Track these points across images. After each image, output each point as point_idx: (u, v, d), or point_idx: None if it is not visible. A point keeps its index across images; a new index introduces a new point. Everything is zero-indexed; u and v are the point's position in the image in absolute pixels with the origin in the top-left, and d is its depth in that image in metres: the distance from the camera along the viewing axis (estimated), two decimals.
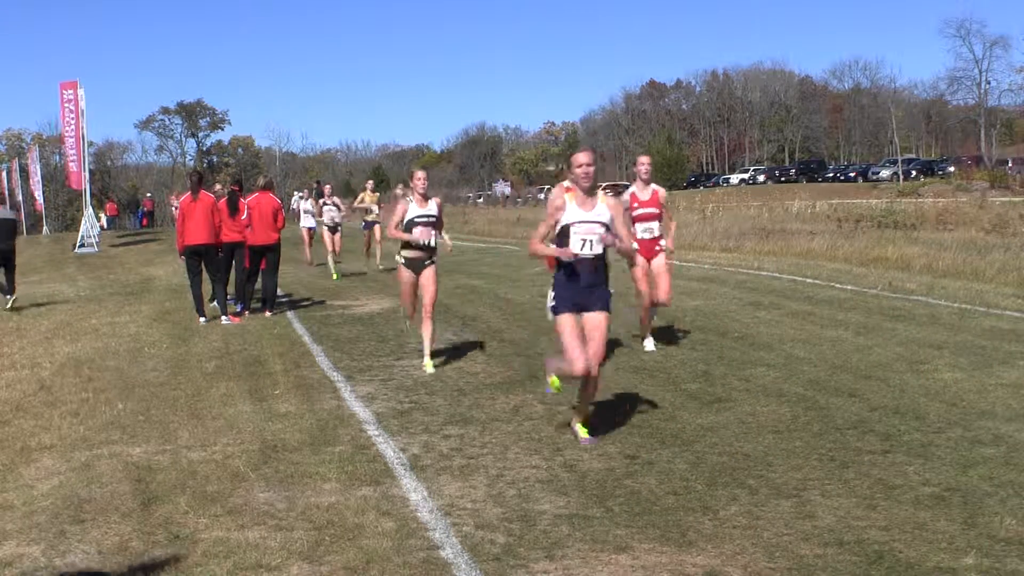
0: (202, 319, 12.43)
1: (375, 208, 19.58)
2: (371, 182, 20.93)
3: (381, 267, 18.95)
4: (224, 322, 12.27)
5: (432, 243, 8.70)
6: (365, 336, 10.92)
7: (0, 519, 5.21)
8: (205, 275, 12.80)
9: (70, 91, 30.05)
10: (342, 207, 19.96)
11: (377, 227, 19.55)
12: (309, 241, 21.55)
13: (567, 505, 5.07)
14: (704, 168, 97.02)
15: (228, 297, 13.32)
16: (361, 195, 19.95)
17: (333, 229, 19.07)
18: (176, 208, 15.74)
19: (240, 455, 6.21)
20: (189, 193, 12.58)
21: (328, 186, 21.23)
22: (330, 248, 18.79)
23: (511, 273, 16.87)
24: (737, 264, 16.66)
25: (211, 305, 12.91)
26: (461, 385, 8.11)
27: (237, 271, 13.31)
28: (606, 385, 7.21)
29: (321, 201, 19.88)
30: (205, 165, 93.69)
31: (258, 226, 12.89)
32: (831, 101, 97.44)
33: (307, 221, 21.68)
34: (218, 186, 16.35)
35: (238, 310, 13.13)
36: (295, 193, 58.14)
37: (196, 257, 12.54)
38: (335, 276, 17.99)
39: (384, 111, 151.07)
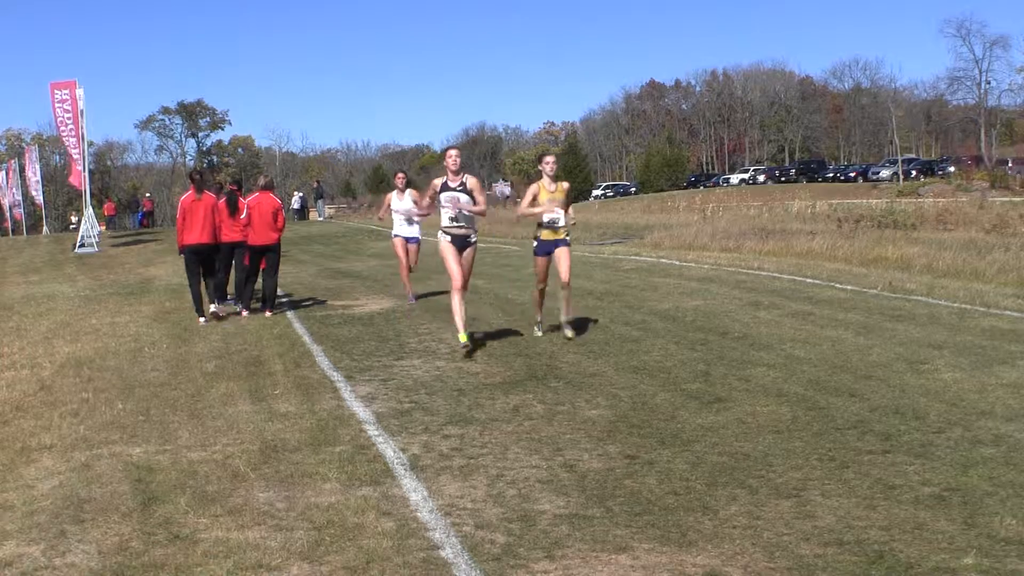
0: (202, 319, 12.45)
1: (561, 212, 9.90)
2: (551, 159, 9.99)
3: (571, 335, 9.90)
4: (212, 308, 12.48)
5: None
6: (365, 336, 10.91)
7: (0, 519, 5.21)
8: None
9: (64, 91, 29.53)
10: (423, 204, 10.96)
11: (568, 250, 9.93)
12: (408, 258, 13.82)
13: (567, 505, 5.07)
14: (704, 168, 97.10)
15: (228, 297, 13.33)
16: (535, 186, 9.97)
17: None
18: None
19: (240, 455, 6.21)
20: (191, 191, 12.59)
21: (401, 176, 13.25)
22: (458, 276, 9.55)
23: (511, 273, 16.85)
24: (737, 264, 16.64)
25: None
26: (461, 385, 8.10)
27: (237, 271, 13.32)
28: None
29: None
30: (205, 165, 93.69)
31: (258, 226, 12.89)
32: (831, 101, 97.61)
33: (403, 228, 13.82)
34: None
35: (238, 310, 13.13)
36: (295, 193, 58.30)
37: (195, 257, 12.57)
38: (464, 337, 9.32)
39: (384, 111, 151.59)
